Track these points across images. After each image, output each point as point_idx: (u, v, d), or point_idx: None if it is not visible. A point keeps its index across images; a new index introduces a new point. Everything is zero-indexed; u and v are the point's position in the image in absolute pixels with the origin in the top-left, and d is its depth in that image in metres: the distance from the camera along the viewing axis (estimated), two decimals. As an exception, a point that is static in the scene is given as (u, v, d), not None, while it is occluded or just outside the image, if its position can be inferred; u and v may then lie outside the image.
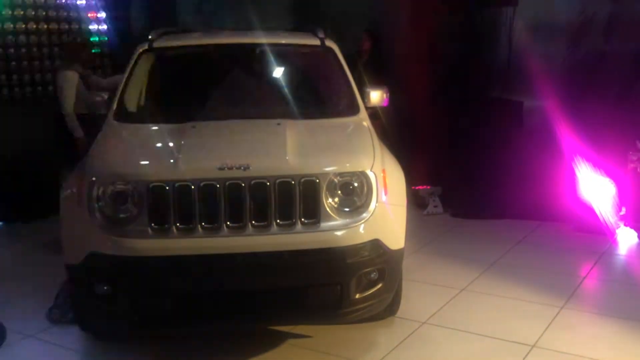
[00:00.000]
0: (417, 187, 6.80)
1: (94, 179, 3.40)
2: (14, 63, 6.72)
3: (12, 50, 6.68)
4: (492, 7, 7.10)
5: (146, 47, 4.65)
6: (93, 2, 7.43)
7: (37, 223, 6.32)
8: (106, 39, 7.61)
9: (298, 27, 5.37)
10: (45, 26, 6.97)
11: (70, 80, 5.63)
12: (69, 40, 6.17)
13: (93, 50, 7.07)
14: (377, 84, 4.82)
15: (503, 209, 6.40)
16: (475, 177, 6.63)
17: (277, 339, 3.85)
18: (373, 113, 4.73)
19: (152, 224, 3.29)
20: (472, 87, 7.08)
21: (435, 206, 6.69)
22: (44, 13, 6.94)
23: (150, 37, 4.74)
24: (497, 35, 7.13)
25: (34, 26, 6.88)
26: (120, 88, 4.44)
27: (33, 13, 6.84)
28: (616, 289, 4.73)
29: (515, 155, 6.33)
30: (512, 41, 6.91)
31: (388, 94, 4.59)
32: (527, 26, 6.81)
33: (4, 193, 6.37)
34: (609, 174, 5.97)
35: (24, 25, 6.78)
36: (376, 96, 4.52)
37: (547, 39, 6.66)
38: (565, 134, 6.07)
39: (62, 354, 3.86)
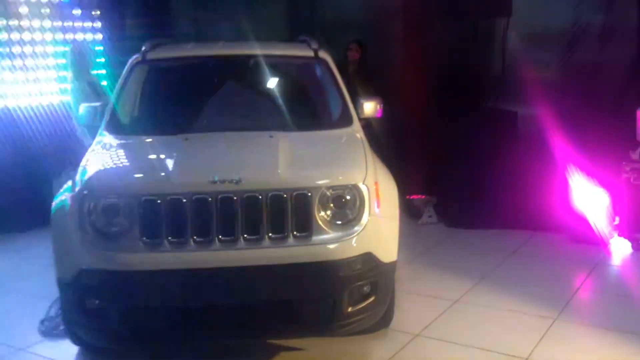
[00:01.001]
0: (411, 197, 6.80)
1: (85, 192, 3.40)
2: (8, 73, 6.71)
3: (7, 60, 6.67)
4: (486, 17, 7.13)
5: (139, 58, 4.66)
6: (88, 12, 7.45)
7: (32, 232, 6.27)
8: (102, 48, 7.63)
9: (292, 38, 5.38)
10: (41, 36, 6.97)
11: (78, 92, 5.65)
12: (72, 50, 6.17)
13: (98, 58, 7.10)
14: (367, 93, 4.82)
15: (497, 219, 6.40)
16: (470, 187, 6.64)
17: (270, 352, 3.83)
18: (366, 123, 4.73)
19: (144, 238, 3.28)
20: (466, 97, 7.10)
21: (429, 216, 6.69)
22: (39, 23, 6.95)
23: (143, 48, 4.74)
24: (491, 45, 7.16)
25: (30, 36, 6.87)
26: (113, 99, 4.44)
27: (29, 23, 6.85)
28: (610, 300, 4.72)
29: (510, 165, 6.33)
30: (506, 51, 6.94)
31: (382, 105, 4.61)
32: (521, 36, 6.84)
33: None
34: (603, 183, 5.98)
35: (19, 36, 6.78)
36: (370, 107, 4.54)
37: (541, 49, 6.69)
38: (559, 144, 6.09)
39: (53, 368, 3.85)
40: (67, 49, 6.57)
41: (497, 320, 4.31)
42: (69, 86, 5.88)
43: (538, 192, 6.05)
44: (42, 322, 4.28)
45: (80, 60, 5.91)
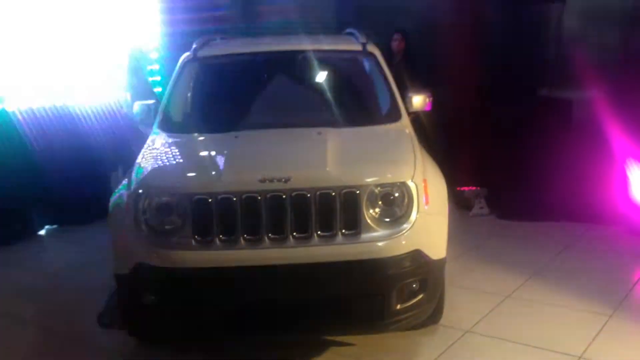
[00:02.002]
0: (462, 188, 6.71)
1: (140, 191, 3.50)
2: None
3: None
4: (540, 1, 6.95)
5: (190, 56, 4.74)
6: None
7: (93, 225, 6.45)
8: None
9: (339, 27, 5.37)
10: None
11: (137, 87, 5.82)
12: (133, 48, 6.33)
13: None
14: (413, 83, 4.74)
15: (551, 211, 6.26)
16: (522, 178, 6.51)
17: (321, 348, 3.88)
18: (415, 115, 4.69)
19: (196, 236, 3.36)
20: (519, 85, 6.95)
21: (481, 208, 6.60)
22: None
23: (194, 46, 4.82)
24: (546, 31, 6.98)
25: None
26: (166, 97, 4.55)
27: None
28: (670, 296, 4.59)
29: (564, 156, 6.19)
30: (561, 37, 6.75)
31: (431, 98, 4.57)
32: (576, 21, 6.64)
33: (59, 197, 6.57)
34: (663, 174, 5.78)
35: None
36: (419, 101, 4.51)
37: (597, 35, 6.47)
38: (617, 133, 5.90)
39: (111, 358, 4.00)
40: (129, 46, 6.71)
41: (550, 317, 4.24)
42: (125, 83, 6.07)
43: (594, 183, 5.90)
44: (101, 314, 4.44)
45: (140, 59, 6.10)
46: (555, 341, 3.88)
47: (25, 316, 4.58)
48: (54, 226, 6.73)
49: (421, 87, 4.74)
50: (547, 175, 6.29)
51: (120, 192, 3.75)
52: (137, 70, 6.13)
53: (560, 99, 6.85)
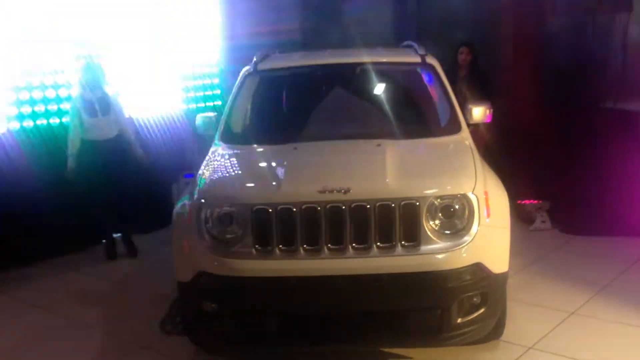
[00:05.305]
0: (523, 202, 6.56)
1: (202, 201, 3.57)
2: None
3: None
4: (604, 12, 6.77)
5: (250, 69, 4.83)
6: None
7: (153, 234, 6.60)
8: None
9: (398, 39, 5.36)
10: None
11: (72, 107, 5.69)
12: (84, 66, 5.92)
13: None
14: (479, 97, 4.68)
15: (617, 226, 6.04)
16: (587, 191, 6.32)
17: (377, 359, 3.85)
18: (475, 127, 4.65)
19: (256, 246, 3.41)
20: (583, 97, 6.79)
21: (543, 221, 6.43)
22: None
23: (254, 59, 4.91)
24: (610, 42, 6.79)
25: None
26: (227, 110, 4.64)
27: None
28: None
29: (631, 168, 5.99)
30: (627, 48, 6.55)
31: (491, 110, 4.51)
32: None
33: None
34: None
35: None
36: (479, 112, 4.46)
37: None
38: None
39: (174, 365, 4.08)
40: (80, 63, 6.10)
41: (617, 336, 4.08)
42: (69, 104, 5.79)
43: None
44: (163, 320, 4.55)
45: (86, 76, 5.77)
46: (623, 361, 3.75)
47: (88, 321, 4.73)
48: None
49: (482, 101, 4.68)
50: (612, 188, 6.10)
51: (184, 201, 3.84)
52: (85, 83, 5.70)
53: (626, 111, 6.64)
